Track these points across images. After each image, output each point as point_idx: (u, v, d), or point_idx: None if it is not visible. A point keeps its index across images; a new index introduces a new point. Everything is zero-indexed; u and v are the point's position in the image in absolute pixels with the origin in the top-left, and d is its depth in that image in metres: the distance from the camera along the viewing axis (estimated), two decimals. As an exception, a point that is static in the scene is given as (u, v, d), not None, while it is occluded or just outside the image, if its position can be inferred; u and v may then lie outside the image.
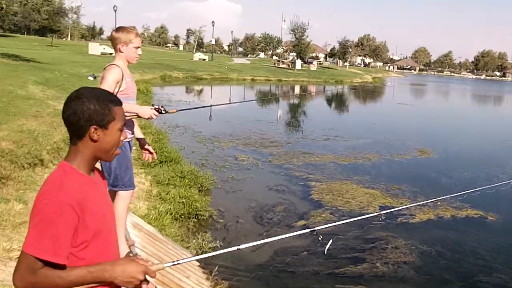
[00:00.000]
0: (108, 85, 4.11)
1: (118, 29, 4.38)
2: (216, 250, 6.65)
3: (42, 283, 1.77)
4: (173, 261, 2.21)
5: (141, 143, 4.76)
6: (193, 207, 8.23)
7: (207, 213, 8.37)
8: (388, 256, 7.38)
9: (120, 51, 4.31)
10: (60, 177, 1.88)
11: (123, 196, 4.49)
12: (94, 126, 1.90)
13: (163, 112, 4.32)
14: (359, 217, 3.36)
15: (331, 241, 3.00)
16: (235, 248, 2.37)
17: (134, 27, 4.55)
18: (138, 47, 4.38)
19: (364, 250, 7.58)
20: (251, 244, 2.49)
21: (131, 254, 4.79)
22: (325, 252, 2.89)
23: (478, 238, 8.77)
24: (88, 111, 1.88)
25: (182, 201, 8.28)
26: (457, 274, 7.21)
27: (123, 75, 4.27)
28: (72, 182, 1.86)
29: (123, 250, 4.43)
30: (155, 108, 4.27)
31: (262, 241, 2.60)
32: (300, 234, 3.00)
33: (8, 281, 4.27)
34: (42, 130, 9.52)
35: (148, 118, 4.25)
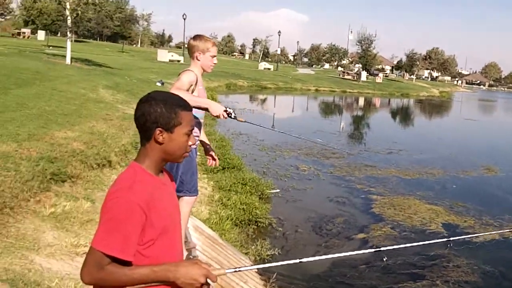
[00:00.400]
0: (181, 83, 4.13)
1: (196, 37, 4.42)
2: (275, 258, 6.74)
3: (108, 279, 1.83)
4: (235, 268, 2.22)
5: (206, 147, 4.80)
6: (253, 214, 8.32)
7: (266, 220, 8.44)
8: (449, 275, 7.19)
9: (197, 59, 4.35)
10: (130, 177, 1.94)
11: (186, 201, 4.57)
12: (159, 129, 1.95)
13: (232, 117, 4.25)
14: (427, 242, 3.24)
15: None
16: (298, 260, 2.36)
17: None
18: (214, 56, 4.43)
19: (424, 267, 7.41)
20: (314, 258, 2.47)
21: (190, 257, 4.93)
22: (384, 259, 2.82)
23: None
24: (154, 113, 1.94)
25: (243, 208, 8.39)
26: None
27: (197, 81, 4.36)
28: (141, 183, 1.92)
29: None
30: (225, 111, 4.30)
31: (324, 257, 2.57)
32: (361, 250, 2.93)
33: (74, 274, 4.47)
34: (111, 132, 9.85)
35: (216, 116, 4.15)
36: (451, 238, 3.24)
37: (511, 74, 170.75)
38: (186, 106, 2.02)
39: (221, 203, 8.52)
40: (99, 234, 1.85)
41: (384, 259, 2.70)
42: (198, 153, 5.37)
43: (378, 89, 60.62)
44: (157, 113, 1.95)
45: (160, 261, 1.93)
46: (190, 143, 2.05)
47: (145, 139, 2.01)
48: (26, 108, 10.02)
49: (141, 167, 1.99)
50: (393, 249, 2.80)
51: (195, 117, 4.25)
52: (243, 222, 8.07)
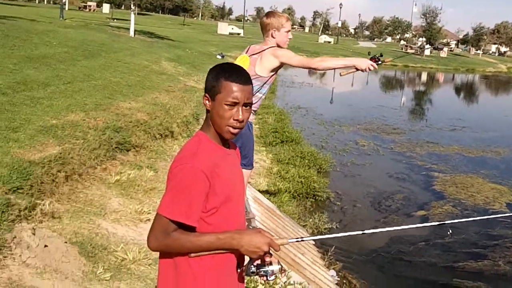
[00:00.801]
0: (293, 53, 4.30)
1: (269, 14, 4.41)
2: (332, 231, 6.75)
3: (174, 245, 1.88)
4: (297, 238, 2.22)
5: None
6: (311, 188, 8.32)
7: (324, 194, 8.43)
8: (513, 256, 6.99)
9: (273, 36, 4.33)
10: (195, 145, 1.97)
11: (244, 173, 4.63)
12: (206, 95, 1.99)
13: (380, 62, 4.28)
14: (493, 216, 3.14)
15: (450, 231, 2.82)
16: (360, 232, 2.33)
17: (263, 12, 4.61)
18: (289, 31, 4.41)
19: (486, 247, 7.23)
20: (377, 230, 2.45)
21: (250, 227, 5.00)
22: (450, 235, 2.76)
23: None
24: (206, 80, 2.00)
25: (301, 181, 8.40)
26: None
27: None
28: (205, 151, 1.95)
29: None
30: (372, 59, 4.22)
31: (387, 229, 2.52)
32: (424, 225, 2.87)
33: (138, 240, 4.63)
34: (173, 104, 10.01)
35: (364, 70, 4.22)
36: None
37: None
38: (234, 77, 1.95)
39: (280, 176, 8.57)
40: (164, 200, 1.88)
41: (449, 232, 2.63)
42: (256, 126, 5.39)
43: (442, 64, 58.65)
44: (207, 79, 2.00)
45: (223, 229, 1.96)
46: (235, 117, 1.96)
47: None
48: (92, 79, 10.31)
49: (206, 136, 2.02)
50: (456, 224, 2.74)
51: (259, 92, 4.31)
52: (301, 195, 8.09)
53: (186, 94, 11.34)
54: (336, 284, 5.54)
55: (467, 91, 40.00)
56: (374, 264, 6.40)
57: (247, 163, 4.62)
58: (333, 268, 5.85)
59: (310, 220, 7.17)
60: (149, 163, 6.76)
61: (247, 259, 2.05)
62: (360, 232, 2.32)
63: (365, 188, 9.47)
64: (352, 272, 6.00)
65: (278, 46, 4.38)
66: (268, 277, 2.03)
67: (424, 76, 47.60)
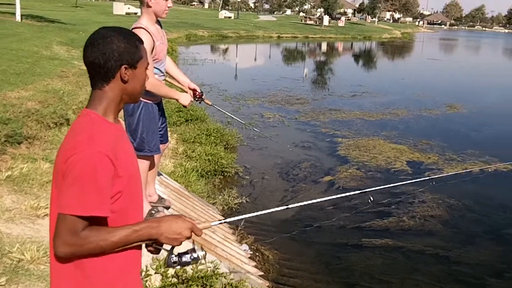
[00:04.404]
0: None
1: None
2: (243, 206, 6.76)
3: (86, 246, 1.67)
4: (220, 220, 2.14)
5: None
6: (219, 164, 8.24)
7: (233, 170, 8.39)
8: (415, 210, 7.33)
9: (148, 6, 4.08)
10: (89, 127, 1.76)
11: (146, 159, 4.45)
12: (125, 66, 1.80)
13: (200, 102, 5.17)
14: (414, 180, 3.28)
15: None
16: (285, 207, 2.34)
17: None
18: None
19: (390, 204, 7.53)
20: (301, 203, 2.47)
21: (153, 212, 4.82)
22: (371, 203, 2.93)
23: (507, 192, 8.69)
24: (118, 50, 1.78)
25: (208, 159, 8.30)
26: (485, 227, 7.15)
27: (153, 40, 4.09)
28: (101, 131, 1.76)
29: (146, 208, 4.45)
30: (195, 97, 4.88)
31: (312, 201, 2.53)
32: (347, 194, 2.95)
33: (36, 237, 4.33)
34: (68, 89, 9.56)
35: (185, 106, 4.77)
36: (434, 177, 3.29)
37: (471, 13, 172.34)
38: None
39: (186, 155, 8.41)
40: (68, 197, 1.66)
41: (370, 200, 2.78)
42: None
43: (340, 33, 60.38)
44: (121, 49, 1.79)
45: (125, 214, 1.80)
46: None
47: (103, 80, 1.81)
48: (-25, 69, 9.63)
49: (97, 114, 1.80)
50: (357, 187, 2.80)
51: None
52: (209, 173, 7.99)
53: (81, 79, 10.82)
54: (249, 257, 5.53)
55: (365, 58, 41.49)
56: (286, 234, 6.45)
57: (153, 148, 4.50)
58: (245, 242, 5.84)
59: (220, 197, 7.11)
60: (44, 155, 6.36)
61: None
62: (285, 207, 2.30)
63: (272, 159, 9.55)
64: (264, 243, 6.01)
65: (157, 15, 4.16)
66: (192, 265, 1.92)
67: (324, 46, 48.82)
